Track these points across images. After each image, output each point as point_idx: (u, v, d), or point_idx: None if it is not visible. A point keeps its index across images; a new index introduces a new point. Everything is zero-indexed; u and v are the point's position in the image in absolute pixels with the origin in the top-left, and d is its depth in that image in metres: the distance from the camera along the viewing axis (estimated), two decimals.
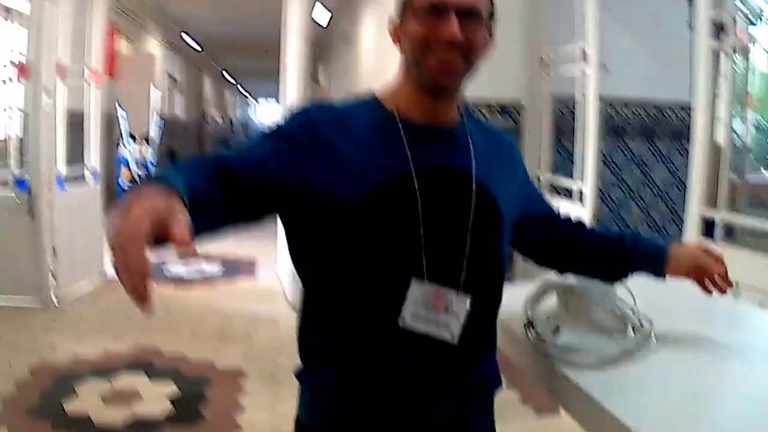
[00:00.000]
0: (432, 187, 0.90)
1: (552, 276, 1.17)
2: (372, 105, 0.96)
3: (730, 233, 2.47)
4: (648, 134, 4.25)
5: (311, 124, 0.90)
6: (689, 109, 3.82)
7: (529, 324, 1.07)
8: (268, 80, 20.93)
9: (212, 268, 5.18)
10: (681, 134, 4.20)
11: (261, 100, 30.28)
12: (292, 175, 0.86)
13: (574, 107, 3.52)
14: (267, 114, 28.60)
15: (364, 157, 0.89)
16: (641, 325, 1.07)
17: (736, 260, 1.86)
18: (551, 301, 1.14)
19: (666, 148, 4.32)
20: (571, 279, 1.15)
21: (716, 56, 2.26)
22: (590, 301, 1.12)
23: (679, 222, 4.25)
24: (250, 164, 0.84)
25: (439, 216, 0.90)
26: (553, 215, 1.15)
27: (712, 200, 2.39)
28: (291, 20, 4.42)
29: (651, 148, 4.29)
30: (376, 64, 5.66)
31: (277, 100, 6.42)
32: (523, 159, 1.12)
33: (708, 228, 2.42)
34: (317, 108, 0.94)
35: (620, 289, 1.13)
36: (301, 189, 0.86)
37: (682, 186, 4.11)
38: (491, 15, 0.94)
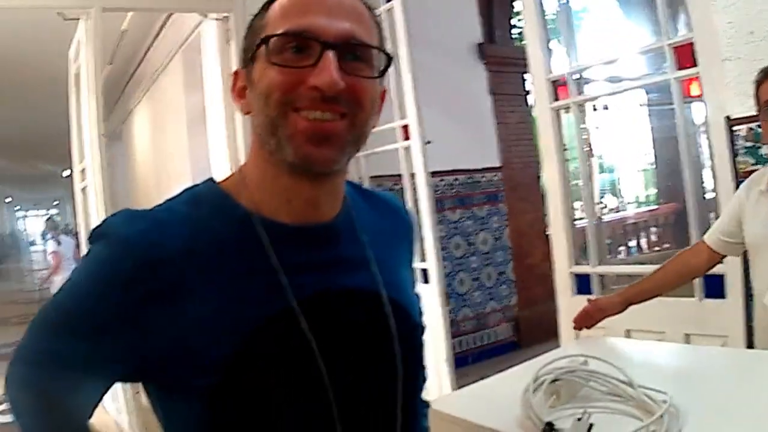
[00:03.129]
0: (329, 327, 0.62)
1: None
2: (217, 204, 0.63)
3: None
4: (464, 202, 4.52)
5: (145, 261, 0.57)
6: (499, 170, 4.61)
7: (551, 429, 0.90)
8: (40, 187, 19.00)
9: None
10: (495, 197, 4.65)
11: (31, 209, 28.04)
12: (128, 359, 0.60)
13: (392, 187, 3.39)
14: (36, 224, 25.91)
15: (214, 302, 0.58)
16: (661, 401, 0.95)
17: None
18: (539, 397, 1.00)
19: (483, 213, 4.60)
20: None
21: (556, 114, 2.36)
22: (579, 385, 1.04)
23: (508, 282, 4.73)
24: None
25: (350, 369, 0.62)
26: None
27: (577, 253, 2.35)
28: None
29: (469, 214, 4.52)
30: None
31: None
32: (415, 237, 0.83)
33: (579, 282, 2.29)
34: (140, 226, 0.59)
35: (599, 363, 1.07)
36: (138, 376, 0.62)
37: (505, 247, 4.67)
38: (387, 56, 0.63)
